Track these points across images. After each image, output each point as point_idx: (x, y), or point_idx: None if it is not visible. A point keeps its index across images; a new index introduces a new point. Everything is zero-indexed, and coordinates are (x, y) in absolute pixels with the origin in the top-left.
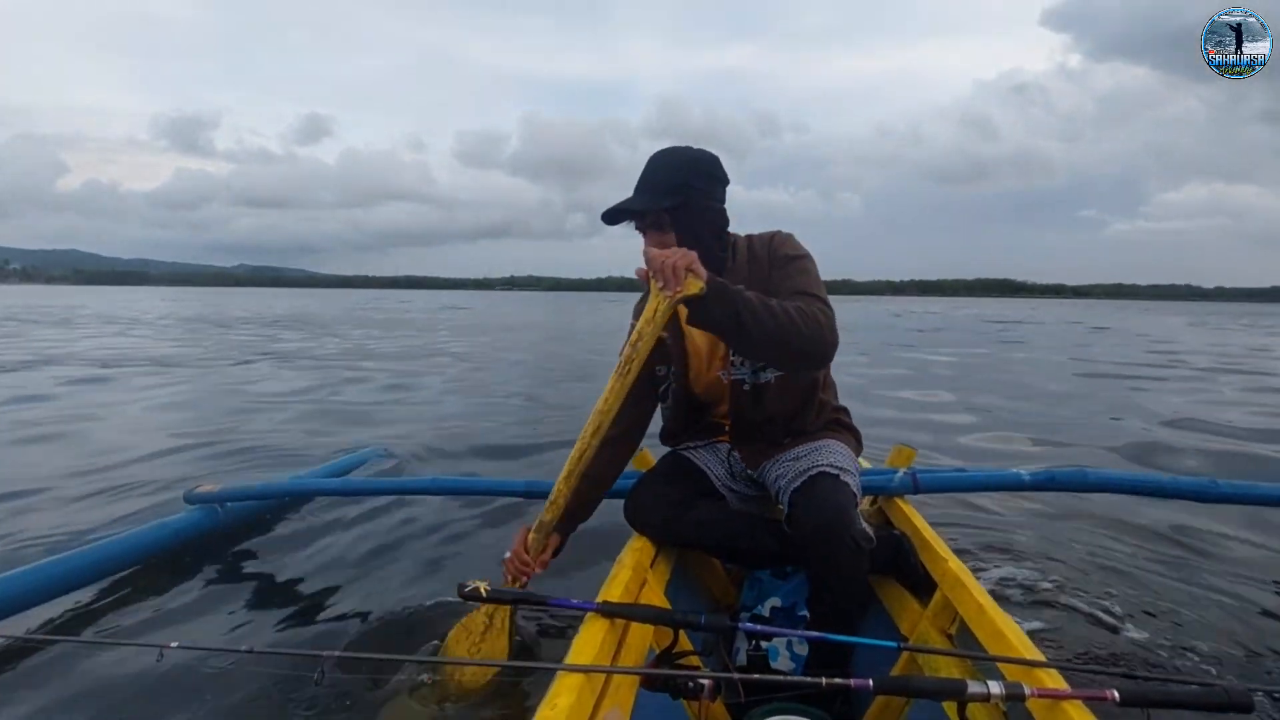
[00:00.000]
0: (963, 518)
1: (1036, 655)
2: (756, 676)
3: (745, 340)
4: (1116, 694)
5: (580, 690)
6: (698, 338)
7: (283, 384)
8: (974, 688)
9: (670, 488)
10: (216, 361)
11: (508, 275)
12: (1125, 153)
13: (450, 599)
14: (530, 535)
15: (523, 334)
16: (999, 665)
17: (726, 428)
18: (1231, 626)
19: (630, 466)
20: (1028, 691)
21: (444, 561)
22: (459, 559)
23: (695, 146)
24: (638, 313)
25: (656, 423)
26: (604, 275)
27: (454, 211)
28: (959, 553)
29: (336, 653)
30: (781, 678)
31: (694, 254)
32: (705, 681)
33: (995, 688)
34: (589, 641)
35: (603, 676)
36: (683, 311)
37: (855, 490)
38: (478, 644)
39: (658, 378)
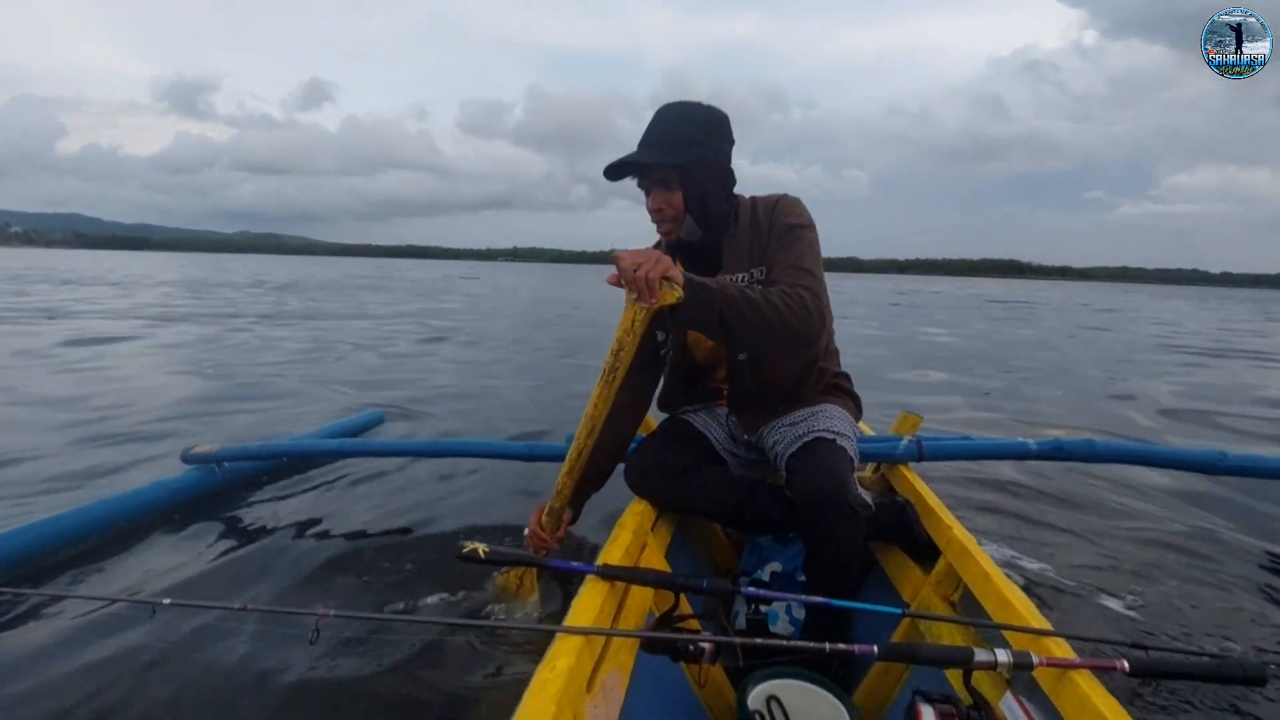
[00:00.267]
0: (967, 486)
1: (1043, 624)
2: (759, 641)
3: (729, 337)
4: (1126, 664)
5: (580, 652)
6: None
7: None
8: (981, 655)
9: (671, 452)
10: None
11: (510, 246)
12: (1136, 134)
13: (446, 560)
14: (543, 517)
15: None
16: (1004, 634)
17: (725, 392)
18: (1242, 600)
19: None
20: (1036, 660)
21: (441, 523)
22: (456, 521)
23: (705, 103)
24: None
25: None
26: (607, 248)
27: (457, 182)
28: (962, 522)
29: (332, 612)
30: (784, 642)
31: (668, 261)
32: (706, 645)
33: (1003, 656)
34: (589, 604)
35: (602, 639)
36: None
37: (853, 455)
38: (514, 596)
39: (657, 344)
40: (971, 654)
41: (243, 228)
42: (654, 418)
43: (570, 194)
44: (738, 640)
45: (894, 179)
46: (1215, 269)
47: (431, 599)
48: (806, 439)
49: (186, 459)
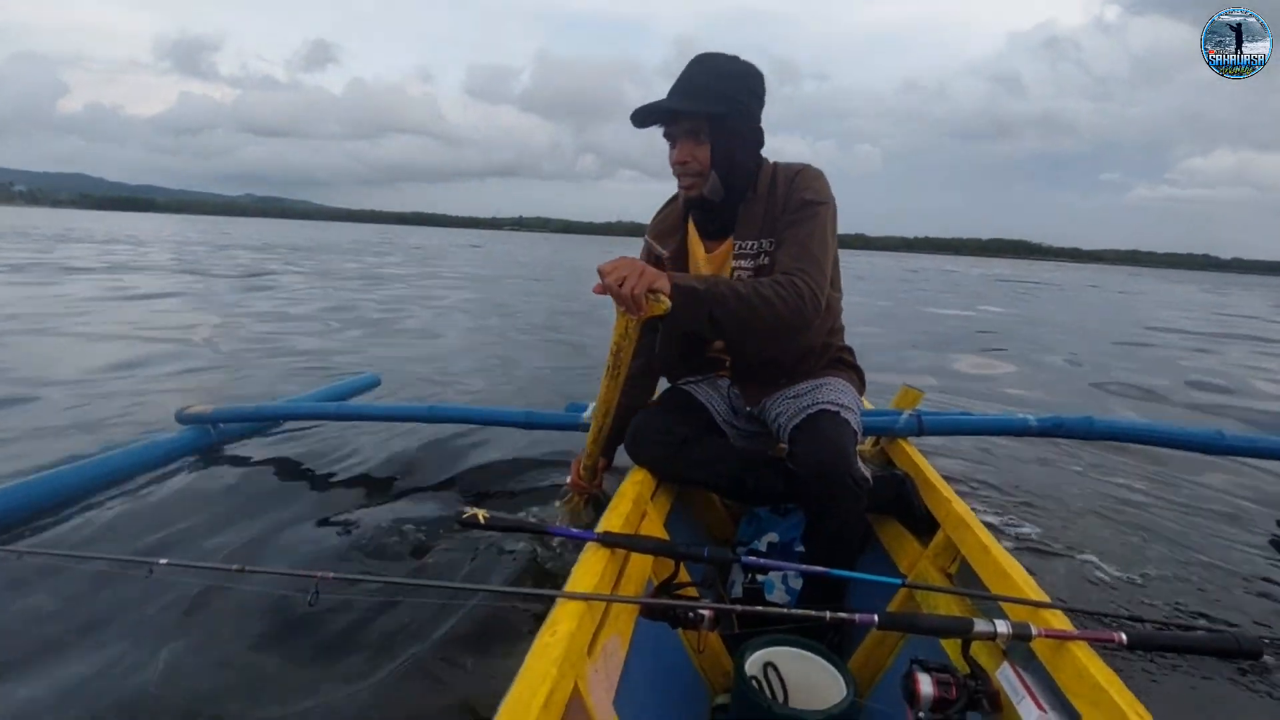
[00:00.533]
0: (966, 461)
1: (1041, 596)
2: (760, 608)
3: (723, 333)
4: (1124, 637)
5: (581, 617)
6: (701, 262)
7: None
8: (980, 626)
9: (672, 422)
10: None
11: (516, 215)
12: (1155, 115)
13: (447, 525)
14: (581, 471)
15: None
16: (1002, 606)
17: (726, 363)
18: (1238, 577)
19: None
20: (1034, 631)
21: (440, 488)
22: (455, 485)
23: (741, 58)
24: (654, 229)
25: None
26: (613, 219)
27: (463, 148)
28: (961, 496)
29: (331, 574)
30: (784, 610)
31: (653, 273)
32: (705, 612)
33: (1002, 627)
34: (589, 570)
35: (603, 605)
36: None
37: (856, 428)
38: (579, 517)
39: None
40: (971, 624)
41: (246, 190)
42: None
43: (577, 163)
44: (738, 608)
45: (906, 156)
46: (1226, 254)
47: (431, 563)
48: (811, 411)
49: (181, 419)
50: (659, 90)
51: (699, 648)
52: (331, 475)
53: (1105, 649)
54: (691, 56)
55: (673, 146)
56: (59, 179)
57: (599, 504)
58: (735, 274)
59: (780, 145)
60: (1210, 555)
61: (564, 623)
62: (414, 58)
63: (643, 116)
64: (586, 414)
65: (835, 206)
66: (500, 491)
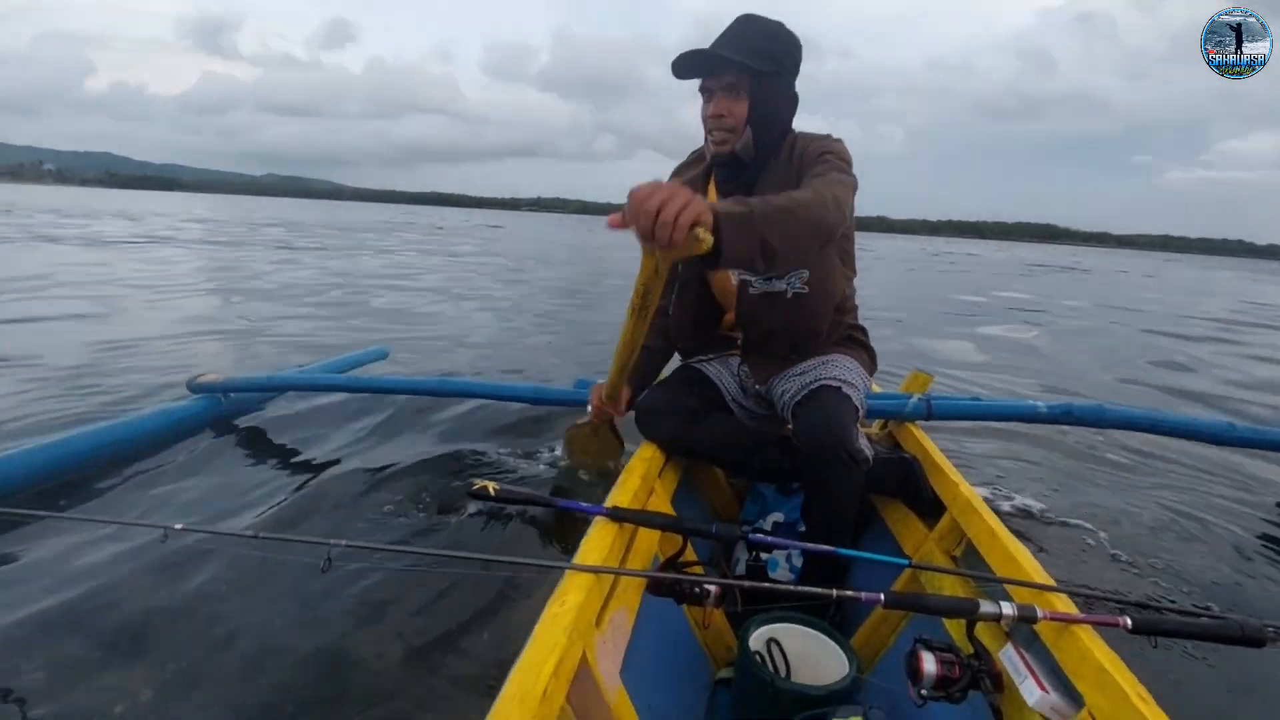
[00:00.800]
0: (974, 444)
1: (1047, 580)
2: (766, 585)
3: (771, 263)
4: (1129, 621)
5: (590, 589)
6: None
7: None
8: (986, 607)
9: (681, 399)
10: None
11: (535, 196)
12: (1192, 94)
13: (457, 495)
14: (605, 397)
15: None
16: (1008, 588)
17: (738, 341)
18: (1245, 565)
19: None
20: (1039, 614)
21: (450, 459)
22: (464, 458)
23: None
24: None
25: None
26: None
27: (482, 128)
28: (968, 481)
29: (344, 542)
30: (790, 587)
31: (700, 202)
32: (711, 588)
33: (1007, 608)
34: (598, 544)
35: (610, 578)
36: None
37: (857, 404)
38: (592, 443)
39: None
40: (977, 605)
41: (269, 170)
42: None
43: (595, 143)
44: (745, 584)
45: (930, 136)
46: (1261, 240)
47: (441, 533)
48: (813, 386)
49: (192, 388)
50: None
51: (704, 623)
52: (341, 445)
53: (1109, 633)
54: (713, 36)
55: (708, 101)
56: (86, 158)
57: (609, 451)
58: None
59: (801, 125)
60: (1218, 544)
61: (573, 594)
62: (432, 35)
63: (687, 63)
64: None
65: (854, 176)
66: (509, 465)
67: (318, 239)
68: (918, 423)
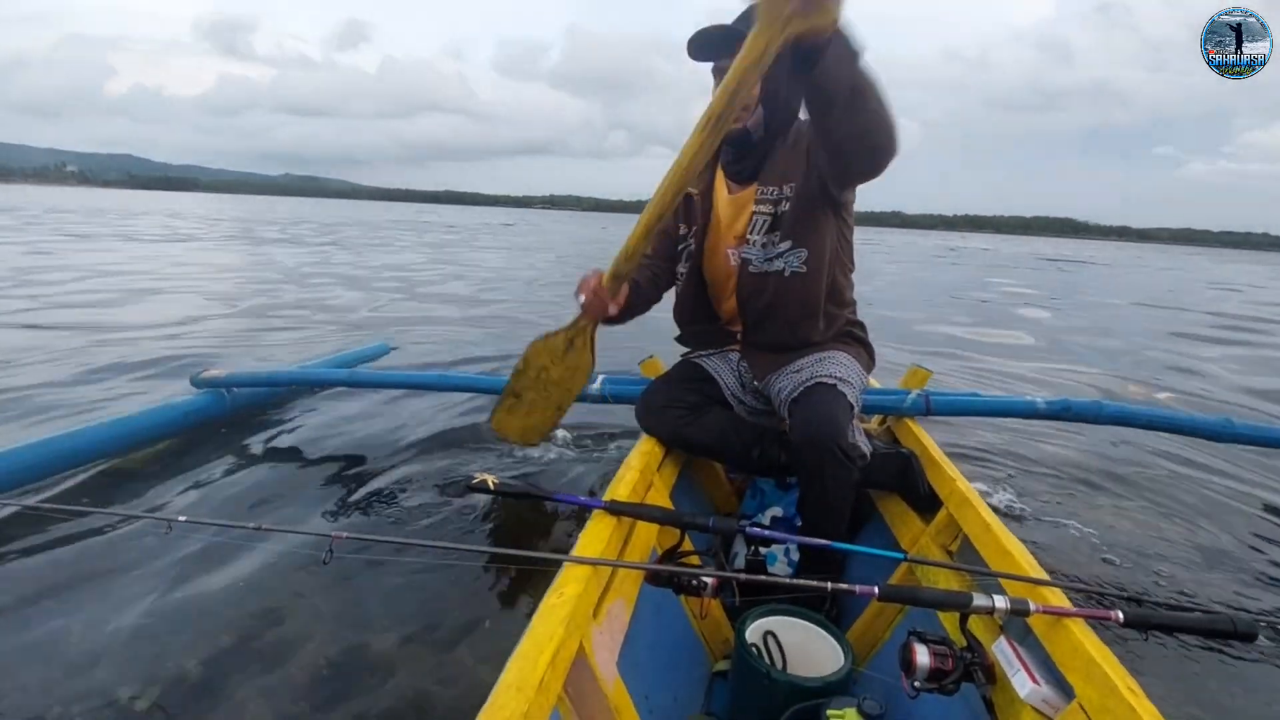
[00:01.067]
0: (972, 440)
1: (1040, 574)
2: (763, 577)
3: (852, 108)
4: (1121, 615)
5: (587, 581)
6: (723, 205)
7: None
8: (979, 600)
9: (681, 393)
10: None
11: (548, 194)
12: (1214, 85)
13: (457, 489)
14: (606, 280)
15: None
16: (1002, 582)
17: (738, 336)
18: (1238, 561)
19: (641, 374)
20: (1033, 607)
21: (450, 453)
22: (464, 451)
23: None
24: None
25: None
26: (644, 197)
27: (494, 126)
28: (965, 476)
29: (345, 534)
30: (787, 580)
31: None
32: (709, 580)
33: (1000, 601)
34: (596, 536)
35: (608, 570)
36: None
37: (852, 401)
38: (561, 359)
39: (678, 238)
40: (970, 598)
41: (285, 170)
42: (664, 363)
43: (607, 141)
44: (742, 576)
45: (946, 129)
46: None
47: (441, 525)
48: (809, 383)
49: (196, 383)
50: (691, 66)
51: (701, 615)
52: (343, 439)
53: (1102, 627)
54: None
55: (720, 82)
56: (107, 160)
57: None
58: (755, 218)
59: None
60: (1211, 539)
61: (570, 586)
62: (444, 34)
63: (703, 40)
64: (595, 385)
65: None
66: (508, 459)
67: (385, 235)
68: (916, 418)
